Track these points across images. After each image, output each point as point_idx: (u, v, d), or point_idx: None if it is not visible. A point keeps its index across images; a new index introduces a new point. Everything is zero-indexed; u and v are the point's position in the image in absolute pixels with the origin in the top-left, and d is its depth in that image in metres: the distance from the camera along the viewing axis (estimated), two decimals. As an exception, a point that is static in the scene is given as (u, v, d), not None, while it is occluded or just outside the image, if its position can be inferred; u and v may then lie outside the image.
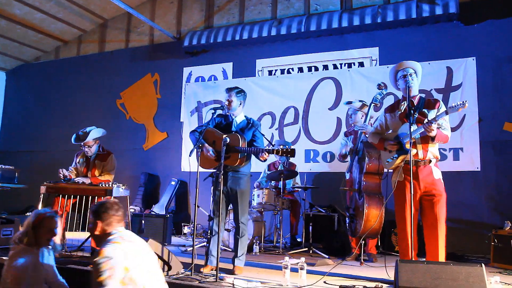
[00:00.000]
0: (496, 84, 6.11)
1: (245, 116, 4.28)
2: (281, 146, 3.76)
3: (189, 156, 3.94)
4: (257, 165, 6.50)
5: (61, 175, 5.01)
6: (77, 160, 5.37)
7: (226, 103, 4.17)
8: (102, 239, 2.61)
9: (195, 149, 3.93)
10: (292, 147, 3.80)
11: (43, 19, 8.85)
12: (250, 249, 5.29)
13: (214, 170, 4.13)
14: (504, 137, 5.97)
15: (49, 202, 5.04)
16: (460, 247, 5.44)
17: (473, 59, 6.25)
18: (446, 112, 3.48)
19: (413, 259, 3.44)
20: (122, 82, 8.90)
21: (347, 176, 5.17)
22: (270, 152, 3.82)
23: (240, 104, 4.21)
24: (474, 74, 6.21)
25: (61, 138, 8.58)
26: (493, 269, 4.49)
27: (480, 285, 2.82)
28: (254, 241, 5.38)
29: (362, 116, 5.11)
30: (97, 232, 2.65)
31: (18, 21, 8.76)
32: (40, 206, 4.77)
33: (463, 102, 3.33)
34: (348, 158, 5.20)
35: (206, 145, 4.05)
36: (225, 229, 5.44)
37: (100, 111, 8.86)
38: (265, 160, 3.99)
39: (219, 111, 4.19)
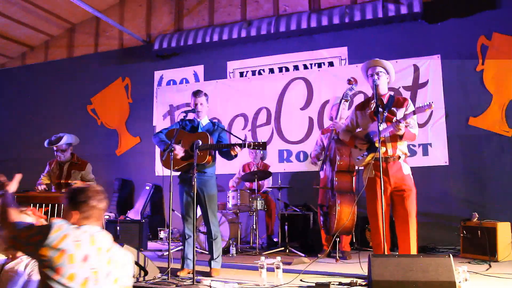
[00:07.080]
0: (460, 80, 6.30)
1: (209, 119, 4.38)
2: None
3: (162, 159, 3.95)
4: (231, 167, 6.55)
5: (39, 189, 4.90)
6: (50, 168, 5.26)
7: (197, 106, 4.22)
8: None
9: (167, 152, 3.90)
10: (263, 140, 3.84)
11: (8, 24, 8.62)
12: (226, 251, 5.31)
13: (179, 173, 4.16)
14: (469, 132, 6.16)
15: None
16: (431, 240, 5.58)
17: (438, 57, 6.43)
18: (414, 112, 3.58)
19: (386, 253, 3.52)
20: (92, 87, 8.74)
21: (321, 174, 5.26)
22: (241, 146, 3.85)
23: (207, 107, 4.34)
24: (440, 71, 6.40)
25: (31, 146, 8.39)
26: (462, 259, 4.65)
27: (449, 274, 2.94)
28: (231, 242, 5.39)
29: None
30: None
31: (-19, 27, 8.54)
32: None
33: (429, 103, 3.43)
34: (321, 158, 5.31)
35: (174, 144, 4.00)
36: (201, 232, 5.45)
37: (70, 117, 8.68)
38: (235, 155, 3.98)
39: (190, 114, 4.21)
